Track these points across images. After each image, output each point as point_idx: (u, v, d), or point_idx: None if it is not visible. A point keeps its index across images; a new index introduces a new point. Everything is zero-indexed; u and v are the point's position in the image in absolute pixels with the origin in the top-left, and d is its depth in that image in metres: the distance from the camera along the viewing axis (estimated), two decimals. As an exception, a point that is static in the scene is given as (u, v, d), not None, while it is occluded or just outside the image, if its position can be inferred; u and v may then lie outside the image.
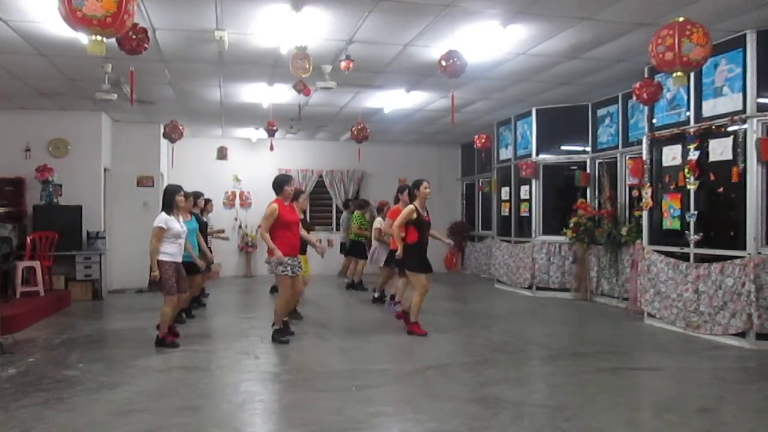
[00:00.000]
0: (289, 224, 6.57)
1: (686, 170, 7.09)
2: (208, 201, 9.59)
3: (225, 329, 7.68)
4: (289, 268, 6.48)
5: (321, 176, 14.52)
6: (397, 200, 8.44)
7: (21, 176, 10.13)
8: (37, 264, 9.26)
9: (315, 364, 5.84)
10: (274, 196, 6.67)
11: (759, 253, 6.26)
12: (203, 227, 8.49)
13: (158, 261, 6.21)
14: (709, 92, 6.91)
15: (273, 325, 6.73)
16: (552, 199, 10.58)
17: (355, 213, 11.36)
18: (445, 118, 10.83)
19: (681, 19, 4.77)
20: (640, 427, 4.14)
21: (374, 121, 11.54)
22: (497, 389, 4.90)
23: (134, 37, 5.47)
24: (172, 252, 6.31)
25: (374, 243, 9.62)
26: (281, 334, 6.64)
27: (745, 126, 6.41)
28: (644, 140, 7.95)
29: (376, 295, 9.56)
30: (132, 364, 5.71)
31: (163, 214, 6.36)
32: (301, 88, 7.73)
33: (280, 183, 6.70)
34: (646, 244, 7.85)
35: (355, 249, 11.18)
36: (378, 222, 9.77)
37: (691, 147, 7.03)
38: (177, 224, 6.41)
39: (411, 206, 7.04)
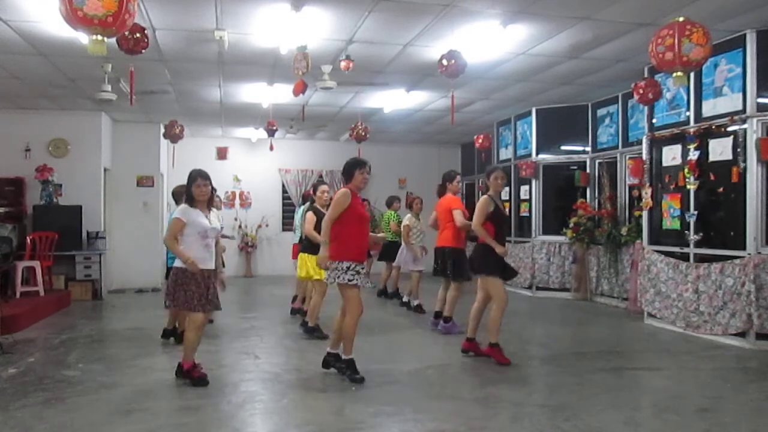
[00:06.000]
0: (361, 219, 5.14)
1: (686, 170, 7.09)
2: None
3: (225, 329, 7.67)
4: (357, 276, 5.06)
5: (321, 176, 14.50)
6: (442, 191, 7.42)
7: (21, 176, 10.14)
8: (37, 264, 9.27)
9: (315, 364, 5.83)
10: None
11: (759, 253, 6.26)
12: None
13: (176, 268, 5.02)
14: (709, 92, 6.91)
15: (343, 355, 5.29)
16: (552, 199, 10.58)
17: (390, 211, 10.08)
18: (445, 118, 10.82)
19: (681, 19, 4.78)
20: (640, 427, 4.13)
21: (374, 121, 11.54)
22: (497, 389, 4.90)
23: (131, 37, 5.46)
24: (197, 257, 4.98)
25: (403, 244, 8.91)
26: (353, 370, 5.17)
27: (745, 126, 6.41)
28: (644, 140, 7.94)
29: (415, 303, 8.67)
30: (132, 364, 5.71)
31: (184, 205, 5.14)
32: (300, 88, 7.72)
33: (350, 166, 5.22)
34: (646, 244, 7.84)
35: (390, 251, 9.66)
36: (408, 219, 8.91)
37: (691, 147, 7.03)
38: (202, 218, 5.10)
39: (486, 197, 5.80)
